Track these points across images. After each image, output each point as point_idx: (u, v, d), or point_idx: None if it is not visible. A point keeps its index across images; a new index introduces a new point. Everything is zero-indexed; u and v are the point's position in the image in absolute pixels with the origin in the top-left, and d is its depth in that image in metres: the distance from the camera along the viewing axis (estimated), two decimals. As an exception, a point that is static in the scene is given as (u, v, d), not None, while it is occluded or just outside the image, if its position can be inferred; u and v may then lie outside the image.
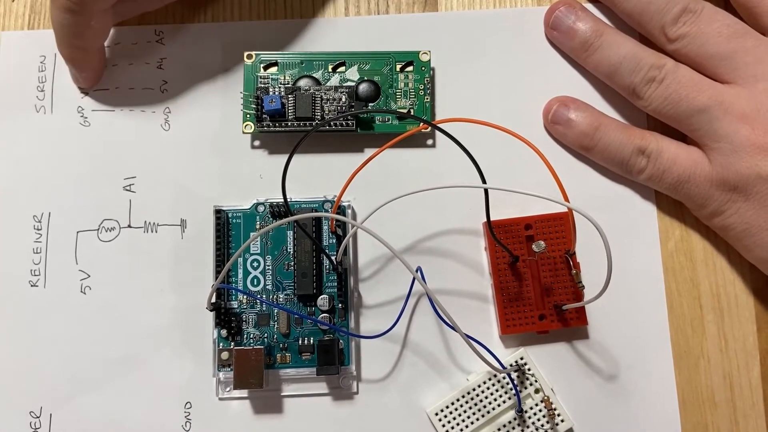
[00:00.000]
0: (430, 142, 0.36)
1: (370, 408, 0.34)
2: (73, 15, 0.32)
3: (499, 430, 0.33)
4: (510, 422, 0.33)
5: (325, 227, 0.34)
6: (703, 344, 0.34)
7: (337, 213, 0.34)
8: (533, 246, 0.32)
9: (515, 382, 0.33)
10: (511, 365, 0.33)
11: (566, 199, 0.30)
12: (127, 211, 0.35)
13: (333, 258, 0.34)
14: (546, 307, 0.34)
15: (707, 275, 0.35)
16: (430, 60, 0.36)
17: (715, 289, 0.35)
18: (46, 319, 0.35)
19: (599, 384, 0.34)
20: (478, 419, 0.33)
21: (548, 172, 0.30)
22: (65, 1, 0.31)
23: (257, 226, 0.34)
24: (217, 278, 0.34)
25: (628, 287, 0.34)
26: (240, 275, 0.34)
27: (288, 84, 0.35)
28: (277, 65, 0.36)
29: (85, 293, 0.35)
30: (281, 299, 0.34)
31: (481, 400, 0.33)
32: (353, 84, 0.35)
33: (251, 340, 0.34)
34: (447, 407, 0.33)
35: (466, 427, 0.33)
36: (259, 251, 0.34)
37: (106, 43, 0.36)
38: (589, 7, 0.36)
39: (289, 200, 0.31)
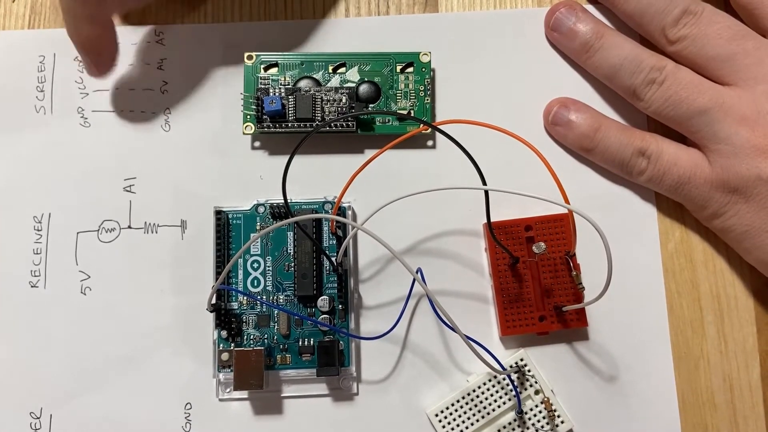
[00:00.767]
0: (430, 143, 0.36)
1: (371, 409, 0.34)
2: None
3: (499, 431, 0.33)
4: (510, 423, 0.33)
5: (325, 228, 0.34)
6: (703, 346, 0.34)
7: (338, 214, 0.34)
8: (534, 248, 0.32)
9: (515, 383, 0.33)
10: (511, 366, 0.33)
11: (566, 200, 0.30)
12: (127, 211, 0.35)
13: (333, 259, 0.34)
14: (546, 309, 0.34)
15: (707, 277, 0.35)
16: (430, 61, 0.36)
17: (715, 291, 0.35)
18: (46, 319, 0.35)
19: (599, 385, 0.34)
20: (478, 420, 0.33)
21: (548, 172, 0.30)
22: None
23: (257, 227, 0.34)
24: (217, 279, 0.33)
25: (628, 289, 0.34)
26: (240, 276, 0.34)
27: (288, 85, 0.35)
28: (278, 66, 0.35)
29: (85, 294, 0.35)
30: (281, 300, 0.34)
31: (481, 401, 0.33)
32: (353, 85, 0.35)
33: (251, 341, 0.34)
34: (447, 408, 0.33)
35: (467, 428, 0.33)
36: (259, 252, 0.34)
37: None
38: (590, 8, 0.36)
39: (289, 201, 0.31)
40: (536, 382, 0.33)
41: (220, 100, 0.36)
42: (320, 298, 0.34)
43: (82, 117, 0.36)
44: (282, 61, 0.35)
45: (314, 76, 0.35)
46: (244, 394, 0.34)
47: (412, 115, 0.35)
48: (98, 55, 0.34)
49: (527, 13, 0.37)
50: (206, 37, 0.37)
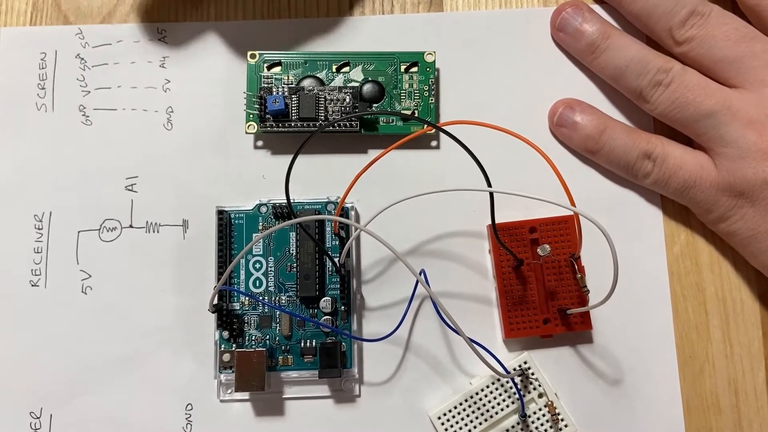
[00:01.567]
0: (434, 143, 0.36)
1: (373, 411, 0.34)
2: None
3: (502, 434, 0.33)
4: (513, 427, 0.33)
5: (328, 229, 0.34)
6: (708, 349, 0.34)
7: (341, 215, 0.33)
8: (538, 250, 0.31)
9: (519, 386, 0.33)
10: (514, 369, 0.33)
11: (572, 203, 0.29)
12: (128, 210, 0.35)
13: (336, 260, 0.33)
14: (550, 311, 0.33)
15: (713, 280, 0.34)
16: (434, 61, 0.35)
17: (721, 294, 0.34)
18: (47, 319, 0.34)
19: (603, 389, 0.34)
20: (481, 423, 0.33)
21: (553, 174, 0.30)
22: None
23: (260, 227, 0.34)
24: (218, 279, 0.33)
25: (633, 291, 0.34)
26: (242, 276, 0.34)
27: (291, 84, 0.35)
28: (281, 65, 0.35)
29: (86, 293, 0.35)
30: (283, 301, 0.34)
31: (484, 404, 0.33)
32: (357, 84, 0.35)
33: (253, 342, 0.33)
34: (450, 411, 0.33)
35: (469, 431, 0.32)
36: (261, 252, 0.34)
37: (108, 41, 0.36)
38: (596, 8, 0.36)
39: (291, 201, 0.31)
40: (540, 386, 0.33)
41: (223, 99, 0.36)
42: (323, 299, 0.33)
43: (83, 115, 0.36)
44: (285, 60, 0.35)
45: (318, 75, 0.35)
46: (245, 395, 0.34)
47: (416, 115, 0.35)
48: None
49: (533, 12, 0.36)
50: (209, 36, 0.36)
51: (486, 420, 0.33)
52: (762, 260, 0.33)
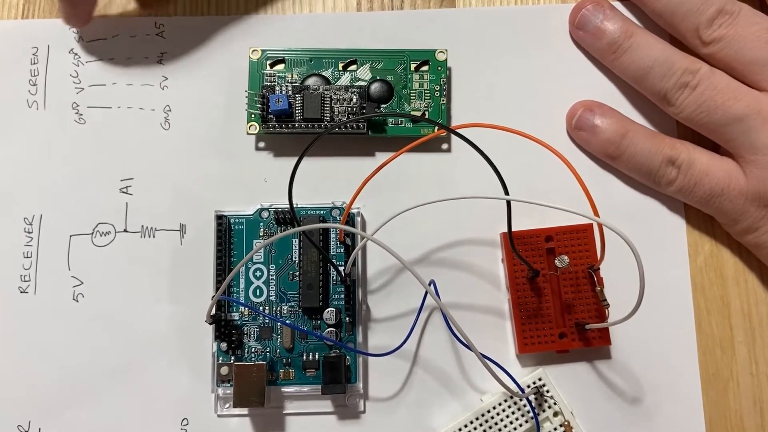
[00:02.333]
0: (445, 146, 0.34)
1: (378, 428, 0.32)
2: None
3: (514, 455, 0.31)
4: (526, 447, 0.31)
5: (332, 236, 0.33)
6: (732, 366, 0.33)
7: (347, 221, 0.32)
8: (556, 261, 0.30)
9: (533, 404, 0.31)
10: (528, 387, 0.31)
11: (596, 213, 0.28)
12: (123, 214, 0.34)
13: (341, 269, 0.32)
14: (566, 325, 0.32)
15: (738, 293, 0.33)
16: (446, 59, 0.34)
17: (747, 309, 0.33)
18: (36, 327, 0.33)
19: (622, 407, 0.32)
20: (492, 443, 0.31)
21: (570, 179, 0.28)
22: None
23: (261, 233, 0.33)
24: (216, 288, 0.32)
25: (655, 305, 0.33)
26: (242, 285, 0.32)
27: (296, 82, 0.34)
28: (285, 62, 0.34)
29: (77, 301, 0.33)
30: (285, 311, 0.32)
31: (496, 423, 0.31)
32: (365, 83, 0.34)
33: (252, 355, 0.32)
34: (459, 430, 0.31)
35: (480, 451, 0.31)
36: (262, 260, 0.33)
37: (104, 36, 0.35)
38: (618, 5, 0.35)
39: (295, 206, 0.30)
40: (555, 404, 0.31)
41: (223, 98, 0.35)
42: (326, 311, 0.32)
43: (76, 113, 0.35)
44: (289, 57, 0.34)
45: (323, 73, 0.34)
46: (243, 410, 0.32)
47: (427, 116, 0.34)
48: (76, 5, 0.33)
49: (550, 9, 0.35)
50: (209, 30, 0.35)
51: (498, 440, 0.31)
52: (792, 274, 0.31)
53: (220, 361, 0.32)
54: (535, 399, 0.31)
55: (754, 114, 0.30)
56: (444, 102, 0.34)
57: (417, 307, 0.32)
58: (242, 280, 0.33)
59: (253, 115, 0.33)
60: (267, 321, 0.32)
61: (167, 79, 0.35)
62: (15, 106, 0.35)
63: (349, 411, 0.32)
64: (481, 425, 0.31)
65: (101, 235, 0.34)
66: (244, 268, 0.33)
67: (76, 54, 0.35)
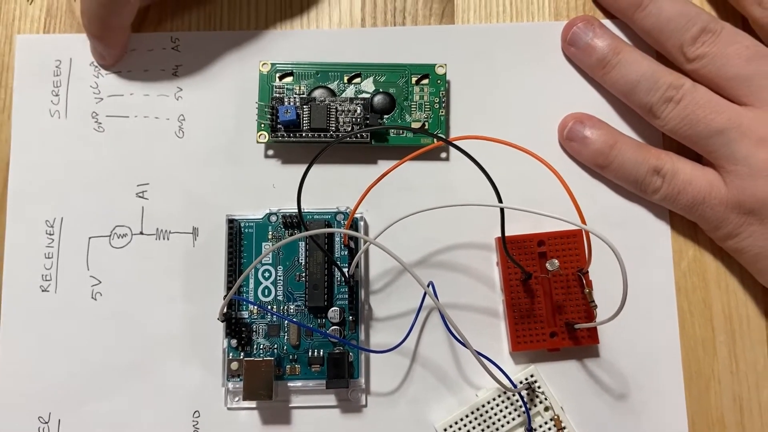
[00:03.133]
0: (443, 155, 0.36)
1: (379, 422, 0.34)
2: None
3: (507, 447, 0.33)
4: (519, 440, 0.33)
5: (337, 239, 0.34)
6: (714, 365, 0.34)
7: (351, 226, 0.34)
8: (547, 264, 0.32)
9: (525, 399, 0.33)
10: (521, 383, 0.33)
11: (583, 220, 0.30)
12: (139, 217, 0.35)
13: (345, 271, 0.33)
14: (557, 325, 0.33)
15: (720, 296, 0.35)
16: (445, 73, 0.35)
17: (728, 311, 0.34)
18: (56, 324, 0.35)
19: (609, 403, 0.34)
20: (486, 436, 0.33)
21: (562, 188, 0.30)
22: None
23: (269, 237, 0.34)
24: (228, 288, 0.33)
25: (641, 306, 0.34)
26: (251, 285, 0.34)
27: (303, 94, 0.35)
28: (293, 75, 0.35)
29: (95, 299, 0.35)
30: (292, 310, 0.34)
31: (490, 417, 0.33)
32: (368, 96, 0.35)
33: (261, 351, 0.34)
34: (456, 423, 0.33)
35: (475, 443, 0.33)
36: (270, 262, 0.34)
37: (121, 49, 0.37)
38: (607, 23, 0.36)
39: (302, 211, 0.31)
40: (546, 399, 0.33)
41: (235, 108, 0.36)
42: (331, 309, 0.34)
43: (96, 122, 0.36)
44: (297, 70, 0.35)
45: (329, 85, 0.35)
46: (252, 403, 0.34)
47: (427, 126, 0.35)
48: (109, 47, 0.35)
49: (544, 26, 0.37)
50: (221, 45, 0.37)
51: (492, 432, 0.33)
52: (769, 278, 0.33)
53: (231, 357, 0.33)
54: (527, 394, 0.33)
55: (735, 127, 0.32)
56: (443, 113, 0.35)
57: (416, 307, 0.34)
58: (251, 281, 0.34)
59: (262, 125, 0.35)
60: (275, 319, 0.34)
61: (182, 90, 0.36)
62: (38, 115, 0.36)
63: (352, 405, 0.34)
64: (476, 419, 0.33)
65: (118, 237, 0.35)
66: (253, 269, 0.34)
67: (96, 66, 0.36)
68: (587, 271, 0.33)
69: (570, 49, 0.36)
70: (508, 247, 0.33)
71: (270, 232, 0.34)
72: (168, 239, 0.35)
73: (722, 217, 0.33)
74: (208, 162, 0.36)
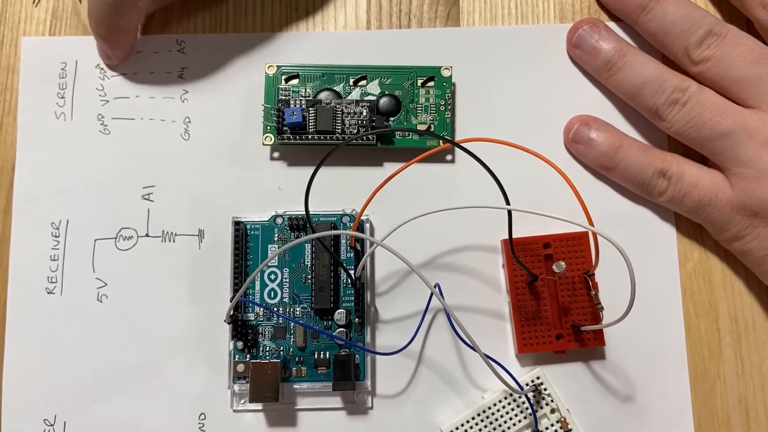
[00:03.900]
0: (449, 157, 0.36)
1: (385, 424, 0.34)
2: None
3: (513, 449, 0.33)
4: (525, 442, 0.33)
5: (343, 241, 0.34)
6: (719, 367, 0.34)
7: (358, 227, 0.34)
8: (554, 267, 0.32)
9: (531, 401, 0.33)
10: (527, 385, 0.33)
11: (590, 222, 0.30)
12: (145, 219, 0.35)
13: (351, 273, 0.33)
14: (563, 327, 0.33)
15: (725, 298, 0.35)
16: (451, 75, 0.35)
17: (733, 313, 0.34)
18: (62, 326, 0.35)
19: (615, 405, 0.34)
20: (493, 438, 0.33)
21: (568, 189, 0.30)
22: None
23: (275, 239, 0.34)
24: (234, 290, 0.33)
25: (646, 308, 0.34)
26: (257, 287, 0.34)
27: (309, 97, 0.35)
28: (299, 77, 0.35)
29: (101, 301, 0.35)
30: (298, 312, 0.34)
31: (496, 419, 0.33)
32: (374, 98, 0.35)
33: (267, 353, 0.34)
34: (462, 425, 0.33)
35: (481, 445, 0.33)
36: (276, 264, 0.34)
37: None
38: (613, 26, 0.36)
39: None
40: (552, 401, 0.33)
41: (240, 110, 0.36)
42: (337, 312, 0.34)
43: (102, 124, 0.36)
44: (303, 73, 0.35)
45: (335, 88, 0.35)
46: (258, 405, 0.34)
47: (433, 129, 0.35)
48: (115, 49, 0.35)
49: (549, 29, 0.37)
50: (227, 47, 0.37)
51: (498, 434, 0.33)
52: (775, 280, 0.33)
53: (237, 359, 0.33)
54: (534, 396, 0.33)
55: (740, 130, 0.32)
56: (449, 116, 0.35)
57: (422, 309, 0.34)
58: (257, 283, 0.34)
59: (268, 127, 0.35)
60: (281, 321, 0.34)
61: (187, 92, 0.36)
62: (44, 117, 0.36)
63: (358, 407, 0.34)
64: (482, 421, 0.33)
65: (124, 240, 0.35)
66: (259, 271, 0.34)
67: (102, 69, 0.36)
68: (593, 273, 0.33)
69: (575, 51, 0.36)
70: (515, 249, 0.33)
71: (276, 235, 0.35)
72: (174, 241, 0.35)
73: (728, 219, 0.33)
74: (213, 164, 0.36)
